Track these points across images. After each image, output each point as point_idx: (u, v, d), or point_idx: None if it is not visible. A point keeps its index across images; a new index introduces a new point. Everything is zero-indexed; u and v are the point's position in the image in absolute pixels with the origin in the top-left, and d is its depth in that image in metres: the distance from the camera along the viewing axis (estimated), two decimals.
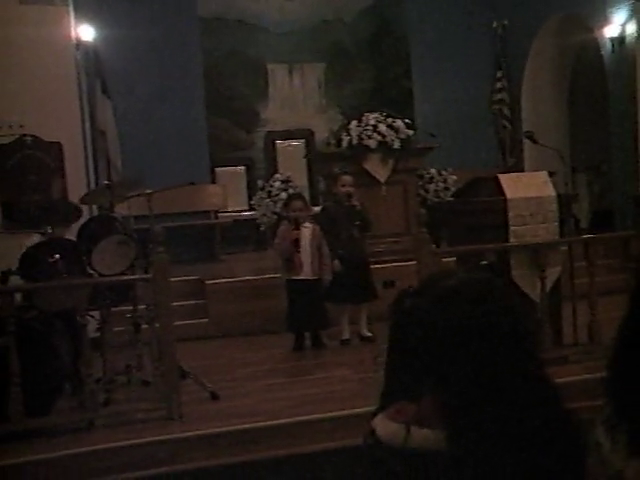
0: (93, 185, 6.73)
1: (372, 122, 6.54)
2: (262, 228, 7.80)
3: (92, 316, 4.27)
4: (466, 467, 1.02)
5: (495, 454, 1.02)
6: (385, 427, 1.12)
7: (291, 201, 5.51)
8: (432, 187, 7.49)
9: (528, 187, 4.42)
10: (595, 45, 7.95)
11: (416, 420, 1.09)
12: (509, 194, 4.34)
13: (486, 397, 1.04)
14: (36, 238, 4.37)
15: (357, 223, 5.35)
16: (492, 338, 1.06)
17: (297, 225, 5.23)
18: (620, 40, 7.41)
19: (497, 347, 1.06)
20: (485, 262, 4.28)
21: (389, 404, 1.15)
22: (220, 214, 8.79)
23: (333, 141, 6.92)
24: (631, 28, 7.30)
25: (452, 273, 1.17)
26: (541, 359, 1.12)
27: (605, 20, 7.57)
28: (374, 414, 1.17)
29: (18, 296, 4.05)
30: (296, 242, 5.20)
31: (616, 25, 7.43)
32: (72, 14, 6.43)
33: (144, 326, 4.51)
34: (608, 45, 7.57)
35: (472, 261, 4.26)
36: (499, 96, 9.11)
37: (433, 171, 7.55)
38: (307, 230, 5.28)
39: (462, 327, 1.06)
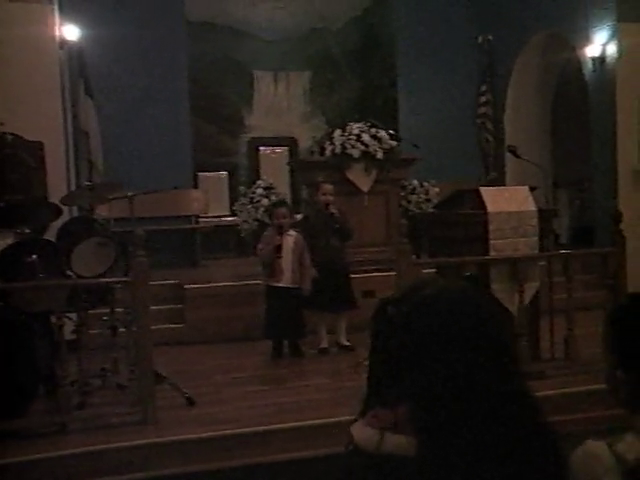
0: (74, 186, 6.66)
1: (356, 132, 6.56)
2: (243, 234, 7.78)
3: (69, 318, 4.22)
4: (436, 475, 1.02)
5: (465, 463, 1.02)
6: (361, 433, 1.12)
7: (275, 208, 5.51)
8: (414, 198, 7.55)
9: (509, 201, 4.46)
10: (578, 64, 8.06)
11: (393, 426, 1.09)
12: (490, 207, 4.37)
13: (459, 405, 1.03)
14: (9, 240, 4.28)
15: (337, 227, 5.36)
16: (468, 347, 1.05)
17: (280, 232, 5.24)
18: (601, 60, 7.52)
19: (472, 356, 1.05)
20: (469, 273, 4.31)
21: (369, 410, 1.15)
22: (201, 219, 8.75)
23: (316, 149, 6.94)
24: (612, 49, 7.42)
25: (433, 281, 1.17)
26: (519, 369, 1.11)
27: (587, 40, 7.68)
28: (355, 420, 1.17)
29: None
30: (278, 248, 5.20)
31: (597, 45, 7.54)
32: (57, 13, 6.37)
33: (121, 329, 4.47)
34: (590, 64, 7.68)
35: (455, 272, 4.28)
36: (483, 110, 9.19)
37: (415, 182, 7.61)
38: (290, 238, 5.29)
39: (439, 335, 1.06)
